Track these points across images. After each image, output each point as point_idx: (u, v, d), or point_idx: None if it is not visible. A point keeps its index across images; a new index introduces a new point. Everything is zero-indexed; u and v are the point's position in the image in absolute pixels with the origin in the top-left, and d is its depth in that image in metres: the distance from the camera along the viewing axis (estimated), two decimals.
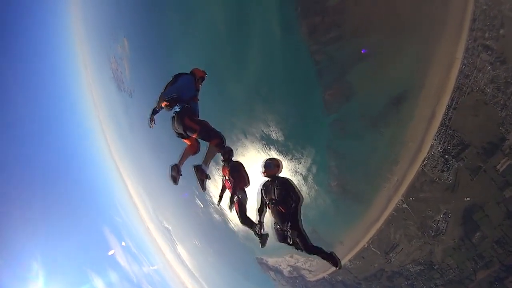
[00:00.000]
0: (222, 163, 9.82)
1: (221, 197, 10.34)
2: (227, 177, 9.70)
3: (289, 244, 8.04)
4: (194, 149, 8.56)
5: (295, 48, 36.90)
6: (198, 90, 8.56)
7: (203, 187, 8.02)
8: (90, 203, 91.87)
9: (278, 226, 8.24)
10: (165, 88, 8.17)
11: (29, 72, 72.57)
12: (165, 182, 67.84)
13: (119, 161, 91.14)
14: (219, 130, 7.96)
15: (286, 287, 51.26)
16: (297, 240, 7.80)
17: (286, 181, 8.33)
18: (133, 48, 65.27)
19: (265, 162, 8.67)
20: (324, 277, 42.66)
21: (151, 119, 8.21)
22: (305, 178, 40.16)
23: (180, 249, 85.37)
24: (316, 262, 43.61)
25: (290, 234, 7.75)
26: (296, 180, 40.26)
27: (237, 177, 9.45)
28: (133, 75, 65.17)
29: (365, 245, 35.88)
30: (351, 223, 37.70)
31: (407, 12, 27.16)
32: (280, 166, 8.72)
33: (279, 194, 8.09)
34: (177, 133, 8.26)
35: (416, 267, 32.28)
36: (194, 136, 8.05)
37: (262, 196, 8.70)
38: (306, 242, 7.82)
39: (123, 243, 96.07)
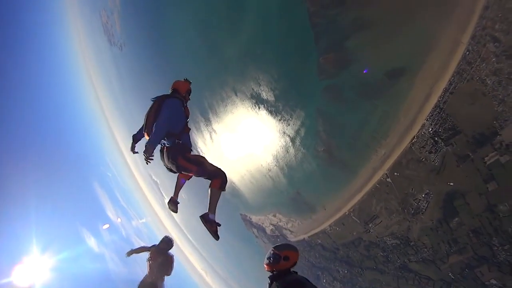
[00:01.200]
0: None
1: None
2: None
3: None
4: (188, 177, 7.10)
5: (293, 8, 34.79)
6: (187, 113, 7.00)
7: (217, 237, 6.29)
8: (81, 158, 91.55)
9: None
10: (146, 121, 6.43)
11: (17, 28, 68.14)
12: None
13: (110, 115, 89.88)
14: (218, 167, 6.59)
15: (268, 244, 52.53)
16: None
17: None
18: (124, 1, 62.09)
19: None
20: (304, 238, 43.80)
21: (133, 148, 6.88)
22: (292, 140, 39.99)
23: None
24: (298, 223, 44.26)
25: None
26: (283, 141, 40.59)
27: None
28: (123, 28, 61.94)
29: (346, 212, 36.40)
30: (335, 190, 37.93)
31: None
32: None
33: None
34: (167, 168, 6.66)
35: (393, 240, 33.05)
36: (190, 175, 6.71)
37: None
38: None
39: (119, 219, 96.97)
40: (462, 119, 25.16)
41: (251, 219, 54.01)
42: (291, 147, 40.31)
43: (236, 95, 43.62)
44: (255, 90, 40.62)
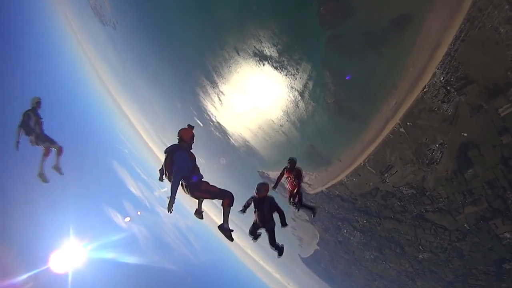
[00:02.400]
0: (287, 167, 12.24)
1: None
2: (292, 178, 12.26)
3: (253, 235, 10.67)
4: (208, 197, 8.77)
5: None
6: (192, 154, 8.45)
7: (232, 239, 8.62)
8: (96, 141, 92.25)
9: (257, 221, 10.35)
10: (165, 169, 8.33)
11: (10, 24, 65.77)
12: (161, 105, 68.51)
13: (115, 93, 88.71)
14: (225, 190, 8.57)
15: (287, 198, 52.51)
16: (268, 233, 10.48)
17: (272, 199, 10.09)
18: None
19: (257, 187, 9.99)
20: (322, 190, 44.40)
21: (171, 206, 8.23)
22: (301, 94, 38.88)
23: None
24: (314, 176, 44.41)
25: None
26: (292, 96, 39.46)
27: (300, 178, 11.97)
28: (113, 6, 59.04)
29: (361, 163, 36.13)
30: (348, 141, 37.53)
31: None
32: (268, 189, 10.02)
33: (267, 210, 9.99)
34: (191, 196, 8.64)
35: (409, 190, 32.97)
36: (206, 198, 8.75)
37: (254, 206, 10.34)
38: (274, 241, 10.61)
39: (139, 212, 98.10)
40: (475, 68, 23.62)
41: (268, 175, 54.12)
42: (301, 101, 39.30)
43: (238, 54, 41.82)
44: (257, 47, 38.83)
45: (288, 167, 12.08)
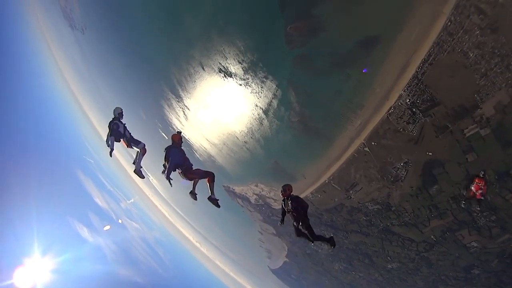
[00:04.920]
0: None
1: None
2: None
3: (302, 236, 10.85)
4: (198, 178, 11.27)
5: None
6: (182, 149, 11.30)
7: (219, 206, 11.02)
8: (61, 149, 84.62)
9: (294, 224, 10.74)
10: (165, 160, 10.90)
11: None
12: (126, 116, 63.51)
13: (81, 99, 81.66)
14: (209, 171, 11.02)
15: (253, 213, 51.56)
16: (306, 232, 10.58)
17: (296, 197, 10.77)
18: None
19: (282, 188, 10.83)
20: None
21: (167, 175, 10.76)
22: (265, 112, 37.00)
23: (153, 180, 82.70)
24: (280, 192, 42.77)
25: (301, 227, 10.58)
26: (257, 113, 37.67)
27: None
28: (82, 12, 55.07)
29: (326, 180, 34.85)
30: (312, 159, 36.24)
31: None
32: (291, 189, 10.82)
33: (292, 206, 10.58)
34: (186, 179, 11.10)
35: (375, 206, 32.21)
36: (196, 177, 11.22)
37: (282, 207, 11.11)
38: (313, 233, 10.57)
39: (120, 221, 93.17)
40: (442, 91, 22.94)
41: (234, 190, 52.15)
42: (265, 119, 37.46)
43: (204, 69, 39.32)
44: (222, 64, 36.63)
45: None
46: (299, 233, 10.76)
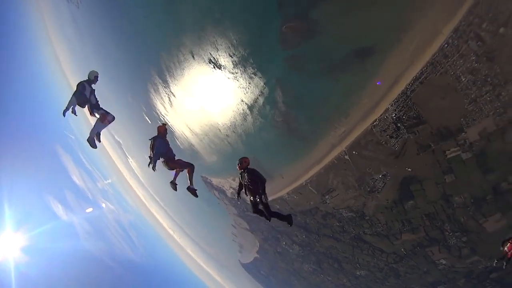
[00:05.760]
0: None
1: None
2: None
3: (258, 213, 10.83)
4: (179, 168, 11.44)
5: None
6: (167, 140, 11.33)
7: (197, 196, 11.18)
8: (43, 122, 79.16)
9: (251, 198, 10.57)
10: (151, 150, 10.80)
11: None
12: (114, 96, 61.00)
13: (70, 74, 77.59)
14: (190, 162, 11.23)
15: (229, 206, 50.90)
16: (263, 208, 10.47)
17: (252, 170, 10.59)
18: None
19: (238, 161, 10.68)
20: None
21: (153, 165, 10.77)
22: (250, 108, 36.09)
23: (132, 163, 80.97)
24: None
25: (259, 201, 10.31)
26: (241, 109, 36.86)
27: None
28: None
29: (303, 183, 34.50)
30: (292, 160, 35.70)
31: None
32: (248, 161, 10.69)
33: (249, 179, 10.37)
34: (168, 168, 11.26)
35: (349, 213, 31.93)
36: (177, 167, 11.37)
37: (239, 181, 10.87)
38: (269, 209, 10.48)
39: (103, 204, 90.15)
40: (429, 110, 22.52)
41: (211, 181, 51.52)
42: (249, 115, 36.57)
43: (193, 58, 37.79)
44: (213, 55, 35.23)
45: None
46: (256, 209, 10.65)
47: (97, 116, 11.51)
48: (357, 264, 34.67)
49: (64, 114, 11.16)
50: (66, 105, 10.93)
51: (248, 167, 10.57)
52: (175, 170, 11.32)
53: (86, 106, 11.33)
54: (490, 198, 23.07)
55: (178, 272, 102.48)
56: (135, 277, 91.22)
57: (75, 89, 11.07)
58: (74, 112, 11.22)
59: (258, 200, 10.22)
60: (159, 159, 10.72)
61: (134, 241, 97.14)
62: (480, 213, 23.78)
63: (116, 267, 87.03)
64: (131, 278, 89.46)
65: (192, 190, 11.10)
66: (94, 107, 11.35)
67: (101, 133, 11.61)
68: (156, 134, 11.24)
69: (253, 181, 10.22)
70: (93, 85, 11.48)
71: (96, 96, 11.58)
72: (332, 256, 37.25)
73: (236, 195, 11.46)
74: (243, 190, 10.72)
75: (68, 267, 69.66)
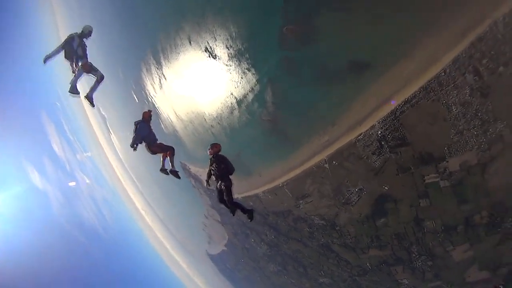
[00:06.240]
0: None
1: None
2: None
3: (223, 203, 10.60)
4: (165, 153, 11.92)
5: None
6: (150, 125, 11.68)
7: (179, 177, 12.04)
8: (31, 85, 73.48)
9: (217, 186, 10.44)
10: (135, 132, 11.14)
11: None
12: (106, 70, 59.41)
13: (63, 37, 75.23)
14: (171, 146, 11.99)
15: (203, 196, 50.52)
16: (226, 198, 10.27)
17: (222, 157, 10.63)
18: None
19: (210, 145, 10.83)
20: (237, 197, 41.08)
21: (135, 145, 11.06)
22: (239, 103, 35.51)
23: (113, 138, 78.79)
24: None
25: (223, 188, 10.25)
26: (230, 102, 36.33)
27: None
28: None
29: (280, 184, 34.16)
30: (272, 161, 35.38)
31: None
32: (219, 148, 10.84)
33: (217, 165, 10.38)
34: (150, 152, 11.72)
35: (320, 221, 31.87)
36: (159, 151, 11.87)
37: (209, 167, 10.77)
38: (232, 199, 10.35)
39: (87, 181, 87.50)
40: (415, 134, 22.39)
41: (190, 168, 50.87)
42: (237, 110, 35.98)
43: (190, 44, 36.81)
44: (210, 43, 34.24)
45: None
46: (221, 198, 10.52)
47: (74, 68, 10.93)
48: (322, 272, 34.76)
49: (44, 62, 10.60)
50: (49, 53, 10.53)
51: (219, 153, 10.65)
52: (161, 156, 11.82)
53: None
54: (461, 228, 23.25)
55: (144, 253, 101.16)
56: (102, 254, 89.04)
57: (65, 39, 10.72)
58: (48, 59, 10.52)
59: (220, 185, 10.25)
60: (141, 142, 11.09)
61: (106, 217, 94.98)
62: (449, 241, 23.97)
63: (84, 241, 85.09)
64: (98, 255, 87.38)
65: (174, 173, 11.71)
66: (79, 58, 10.79)
67: (93, 97, 11.43)
68: (141, 119, 11.59)
69: (220, 168, 10.28)
70: (85, 39, 11.12)
71: (87, 52, 11.07)
72: (298, 260, 37.22)
73: (205, 182, 11.46)
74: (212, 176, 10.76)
75: (36, 236, 67.04)
